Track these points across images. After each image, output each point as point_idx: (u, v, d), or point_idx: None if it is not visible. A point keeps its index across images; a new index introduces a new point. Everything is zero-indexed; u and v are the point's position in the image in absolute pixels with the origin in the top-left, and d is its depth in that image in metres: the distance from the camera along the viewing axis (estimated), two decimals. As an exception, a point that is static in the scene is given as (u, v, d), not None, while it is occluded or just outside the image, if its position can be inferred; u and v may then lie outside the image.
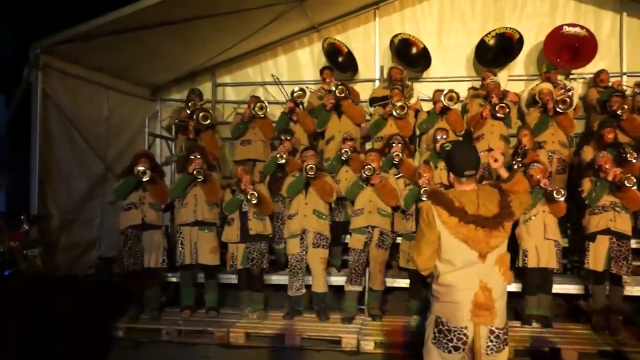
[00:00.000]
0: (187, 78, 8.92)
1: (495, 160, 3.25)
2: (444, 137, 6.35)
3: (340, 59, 8.54)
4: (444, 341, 2.91)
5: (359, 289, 6.05)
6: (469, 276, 2.88)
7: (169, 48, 7.43)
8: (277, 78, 8.59)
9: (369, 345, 5.48)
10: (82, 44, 6.48)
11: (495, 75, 7.70)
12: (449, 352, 2.90)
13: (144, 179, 5.91)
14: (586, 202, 5.66)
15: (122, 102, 7.95)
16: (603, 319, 5.58)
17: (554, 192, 5.51)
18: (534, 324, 5.71)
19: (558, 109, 6.66)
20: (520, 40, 8.11)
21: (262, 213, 6.09)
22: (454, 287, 2.91)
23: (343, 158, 6.48)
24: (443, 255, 2.95)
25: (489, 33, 8.29)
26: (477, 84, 7.98)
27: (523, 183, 3.15)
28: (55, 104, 6.69)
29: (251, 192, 5.84)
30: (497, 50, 8.27)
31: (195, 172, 5.96)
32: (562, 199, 5.55)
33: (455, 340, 2.89)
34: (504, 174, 3.25)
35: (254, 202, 5.85)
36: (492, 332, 2.90)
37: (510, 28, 8.22)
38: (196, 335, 5.90)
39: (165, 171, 7.22)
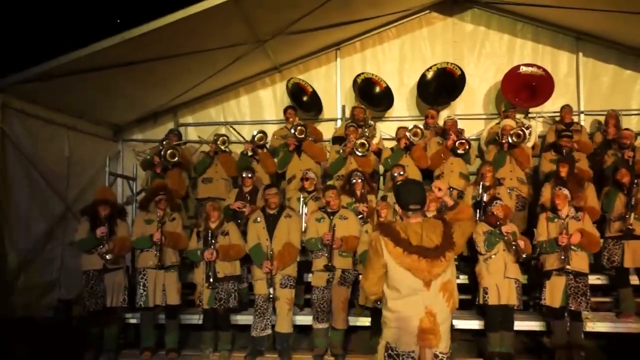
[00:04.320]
0: (150, 118, 8.95)
1: (439, 190, 3.51)
2: (401, 173, 6.42)
3: (305, 99, 8.66)
4: None
5: (327, 326, 5.98)
6: (415, 303, 3.06)
7: (130, 88, 7.47)
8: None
9: (329, 386, 5.39)
10: (42, 84, 6.48)
11: (437, 112, 7.91)
12: None
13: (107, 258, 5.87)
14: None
15: (83, 142, 7.91)
16: (565, 355, 5.57)
17: (517, 253, 5.54)
18: (497, 361, 5.67)
19: (511, 141, 6.82)
20: (462, 77, 8.31)
21: (235, 260, 6.05)
22: (401, 313, 3.09)
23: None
24: (390, 282, 3.13)
25: (430, 68, 8.48)
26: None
27: (466, 212, 3.40)
28: (14, 143, 6.65)
29: (211, 258, 5.86)
30: (438, 87, 8.43)
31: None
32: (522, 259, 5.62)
33: None
34: (449, 201, 3.51)
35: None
36: (436, 356, 3.07)
37: (452, 64, 8.43)
38: (156, 378, 5.75)
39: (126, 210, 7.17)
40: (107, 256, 5.85)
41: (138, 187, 8.48)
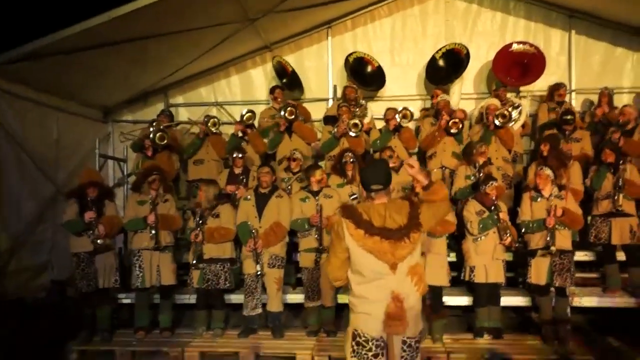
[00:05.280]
0: (140, 99, 8.86)
1: (411, 167, 3.29)
2: (391, 156, 6.41)
3: (284, 80, 8.59)
4: (363, 352, 2.98)
5: (319, 304, 6.06)
6: (381, 287, 2.95)
7: (119, 68, 7.40)
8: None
9: (323, 361, 5.46)
10: (29, 64, 6.39)
11: (446, 92, 7.86)
12: None
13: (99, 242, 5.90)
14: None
15: (73, 124, 7.85)
16: (552, 329, 5.71)
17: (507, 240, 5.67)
18: (486, 336, 5.80)
19: (497, 122, 6.84)
20: (468, 55, 8.26)
21: (220, 242, 6.05)
22: (366, 299, 2.98)
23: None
24: (353, 267, 3.04)
25: (439, 50, 8.41)
26: (429, 103, 8.14)
27: (440, 192, 3.20)
28: (2, 125, 6.60)
29: (195, 239, 5.94)
30: (447, 68, 8.40)
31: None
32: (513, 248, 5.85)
33: (374, 349, 2.95)
34: (423, 180, 3.28)
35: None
36: (404, 342, 2.99)
37: (459, 44, 8.37)
38: (150, 356, 5.83)
39: (116, 192, 7.19)
40: (99, 241, 5.87)
41: (129, 169, 8.47)
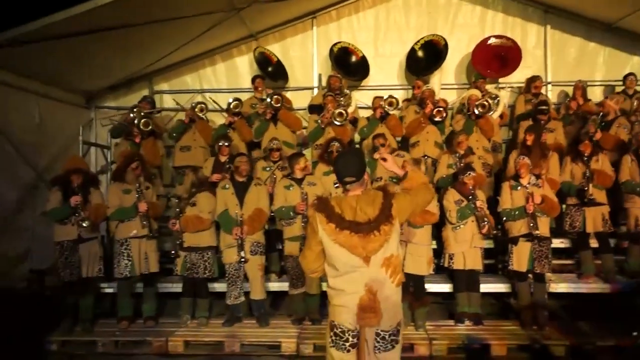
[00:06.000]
0: (124, 85, 8.73)
1: (385, 160, 3.33)
2: (383, 144, 6.49)
3: (269, 69, 8.59)
4: (341, 342, 2.97)
5: (303, 291, 6.11)
6: (355, 280, 2.93)
7: (103, 55, 7.27)
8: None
9: (308, 349, 5.54)
10: (11, 50, 6.23)
11: (427, 82, 7.98)
12: (348, 351, 2.97)
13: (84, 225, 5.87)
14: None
15: (54, 110, 7.69)
16: (530, 315, 5.88)
17: (485, 228, 5.83)
18: (467, 322, 5.95)
19: (476, 111, 7.02)
20: (446, 46, 8.42)
21: (193, 232, 6.06)
22: (342, 292, 2.97)
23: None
24: (328, 260, 3.02)
25: (418, 42, 8.56)
26: (412, 93, 8.25)
27: (415, 179, 3.24)
28: (-19, 111, 6.46)
29: (172, 227, 6.03)
30: (426, 58, 8.55)
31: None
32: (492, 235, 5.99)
33: (351, 339, 2.95)
34: (398, 172, 3.34)
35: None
36: (377, 334, 2.96)
37: (436, 35, 8.54)
38: (134, 346, 5.80)
39: (100, 179, 7.11)
40: (84, 223, 5.82)
41: (112, 155, 8.33)
